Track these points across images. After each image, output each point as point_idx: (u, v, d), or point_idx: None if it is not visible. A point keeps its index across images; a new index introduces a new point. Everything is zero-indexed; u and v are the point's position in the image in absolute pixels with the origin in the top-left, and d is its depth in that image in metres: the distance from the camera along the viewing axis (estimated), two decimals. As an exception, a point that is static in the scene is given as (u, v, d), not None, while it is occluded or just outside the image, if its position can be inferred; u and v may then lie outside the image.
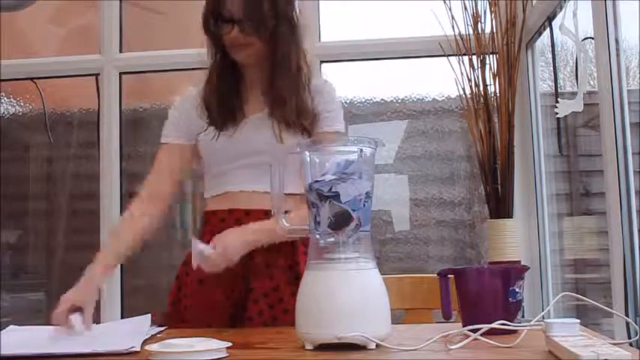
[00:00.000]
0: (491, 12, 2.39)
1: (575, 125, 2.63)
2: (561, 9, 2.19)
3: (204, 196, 1.67)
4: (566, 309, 2.22)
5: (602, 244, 1.97)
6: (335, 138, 1.56)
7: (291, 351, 1.12)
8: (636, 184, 1.74)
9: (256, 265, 1.55)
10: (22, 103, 3.26)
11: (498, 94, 2.32)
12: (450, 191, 2.84)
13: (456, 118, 2.82)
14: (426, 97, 2.91)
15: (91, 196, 2.87)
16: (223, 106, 1.58)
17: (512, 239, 2.26)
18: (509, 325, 1.10)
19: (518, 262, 2.26)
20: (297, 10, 1.60)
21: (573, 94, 1.83)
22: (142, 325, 1.34)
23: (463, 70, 2.37)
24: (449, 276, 1.27)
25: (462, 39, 2.38)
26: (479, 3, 2.38)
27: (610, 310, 1.38)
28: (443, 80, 2.54)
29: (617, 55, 1.78)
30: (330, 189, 1.10)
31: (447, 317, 1.28)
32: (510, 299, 1.19)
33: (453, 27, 2.39)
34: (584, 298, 1.25)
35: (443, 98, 2.88)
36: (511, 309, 1.19)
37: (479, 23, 2.38)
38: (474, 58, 2.36)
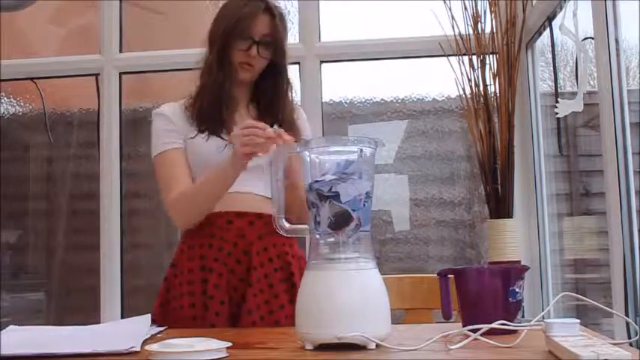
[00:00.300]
0: (491, 12, 2.38)
1: (575, 125, 2.62)
2: (561, 9, 2.19)
3: None
4: (566, 309, 2.22)
5: (602, 244, 1.97)
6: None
7: (291, 351, 1.12)
8: (636, 184, 1.74)
9: (254, 275, 1.59)
10: (22, 103, 3.26)
11: (498, 94, 2.32)
12: (450, 191, 2.83)
13: (456, 118, 2.82)
14: (426, 97, 2.91)
15: (91, 196, 2.87)
16: (217, 114, 1.65)
17: (512, 239, 2.26)
18: (509, 325, 1.10)
19: (518, 262, 2.25)
20: None
21: (573, 94, 1.83)
22: (142, 325, 1.34)
23: (463, 70, 2.37)
24: (449, 276, 1.27)
25: (462, 39, 2.38)
26: (479, 3, 2.38)
27: (610, 310, 1.38)
28: (443, 80, 2.54)
29: (617, 55, 1.78)
30: (330, 189, 1.10)
31: (447, 317, 1.28)
32: (510, 299, 1.19)
33: (453, 27, 2.39)
34: (584, 298, 1.25)
35: (443, 98, 2.88)
36: (511, 309, 1.19)
37: (479, 23, 2.37)
38: (474, 58, 2.36)
